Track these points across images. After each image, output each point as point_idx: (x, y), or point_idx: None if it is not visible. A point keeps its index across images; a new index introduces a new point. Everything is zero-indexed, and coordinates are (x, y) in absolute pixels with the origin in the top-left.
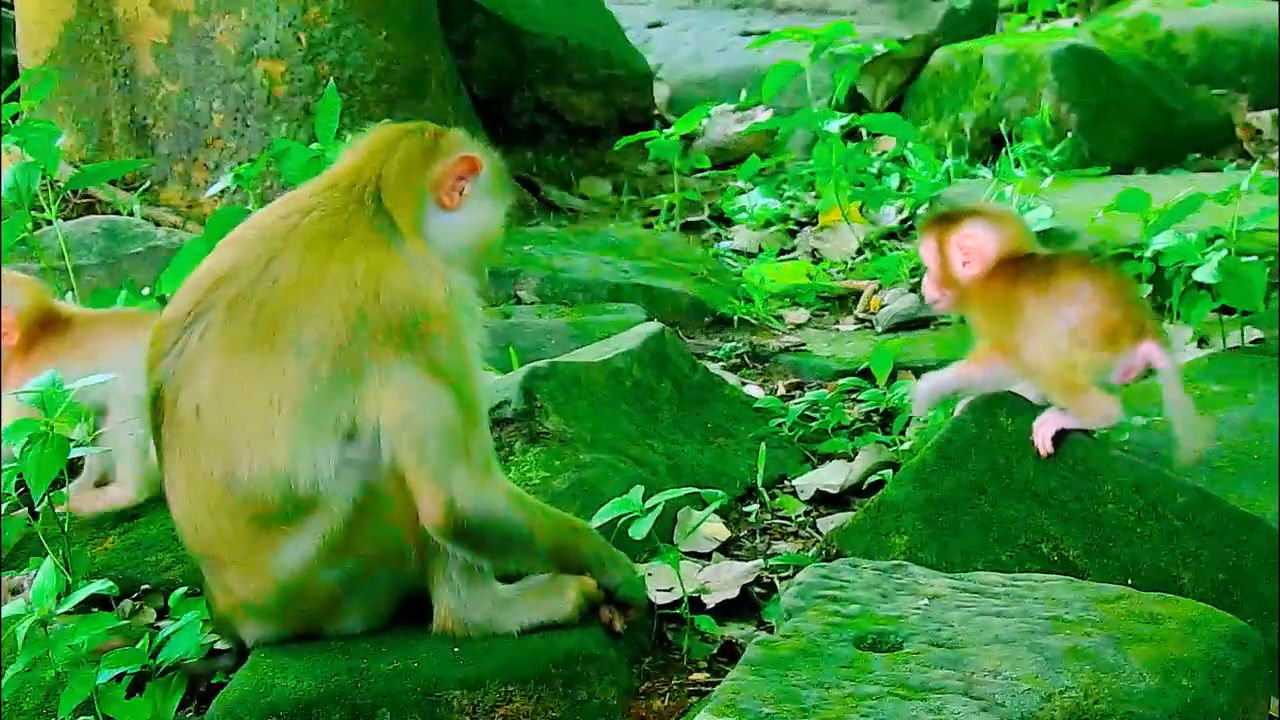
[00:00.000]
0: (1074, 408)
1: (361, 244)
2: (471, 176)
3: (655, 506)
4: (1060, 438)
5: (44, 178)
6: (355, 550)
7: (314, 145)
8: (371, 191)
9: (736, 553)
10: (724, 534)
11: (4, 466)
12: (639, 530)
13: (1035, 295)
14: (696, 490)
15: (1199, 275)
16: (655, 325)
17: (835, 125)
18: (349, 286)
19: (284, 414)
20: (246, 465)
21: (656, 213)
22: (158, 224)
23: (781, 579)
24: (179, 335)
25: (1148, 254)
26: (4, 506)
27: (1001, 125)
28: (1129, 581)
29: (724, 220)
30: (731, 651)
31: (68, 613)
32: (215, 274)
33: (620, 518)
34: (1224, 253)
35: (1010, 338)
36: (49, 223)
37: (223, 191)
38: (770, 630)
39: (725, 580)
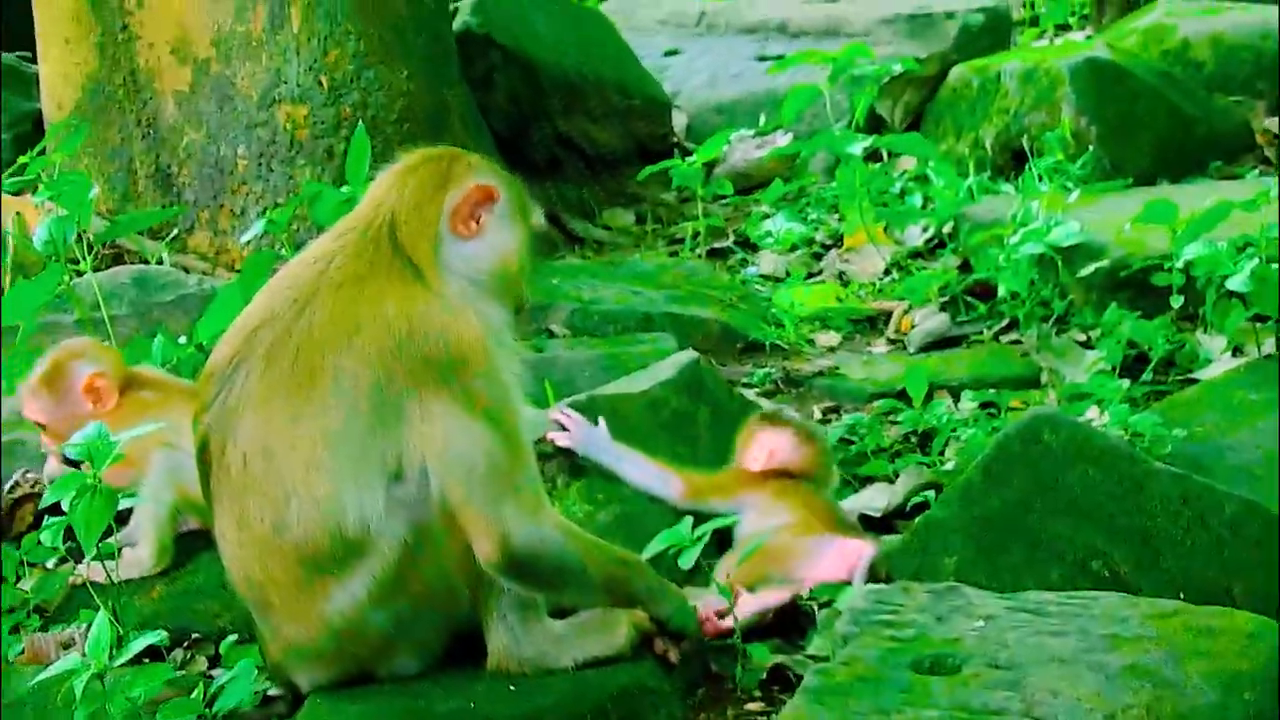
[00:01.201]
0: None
1: (387, 284)
2: (488, 204)
3: (703, 536)
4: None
5: (77, 229)
6: (407, 590)
7: (344, 188)
8: (387, 229)
9: None
10: None
11: (51, 521)
12: (688, 560)
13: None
14: (733, 519)
15: (1231, 284)
16: (690, 354)
17: (857, 147)
18: (382, 328)
19: (329, 458)
20: (295, 510)
21: (681, 241)
22: (187, 271)
23: (820, 605)
24: (221, 385)
25: (1178, 264)
26: (52, 561)
27: (1022, 140)
28: (1181, 595)
29: (749, 246)
30: (782, 679)
31: (122, 665)
32: (252, 323)
33: (669, 549)
34: (1255, 260)
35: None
36: (79, 274)
37: (255, 237)
38: (816, 657)
39: (770, 606)
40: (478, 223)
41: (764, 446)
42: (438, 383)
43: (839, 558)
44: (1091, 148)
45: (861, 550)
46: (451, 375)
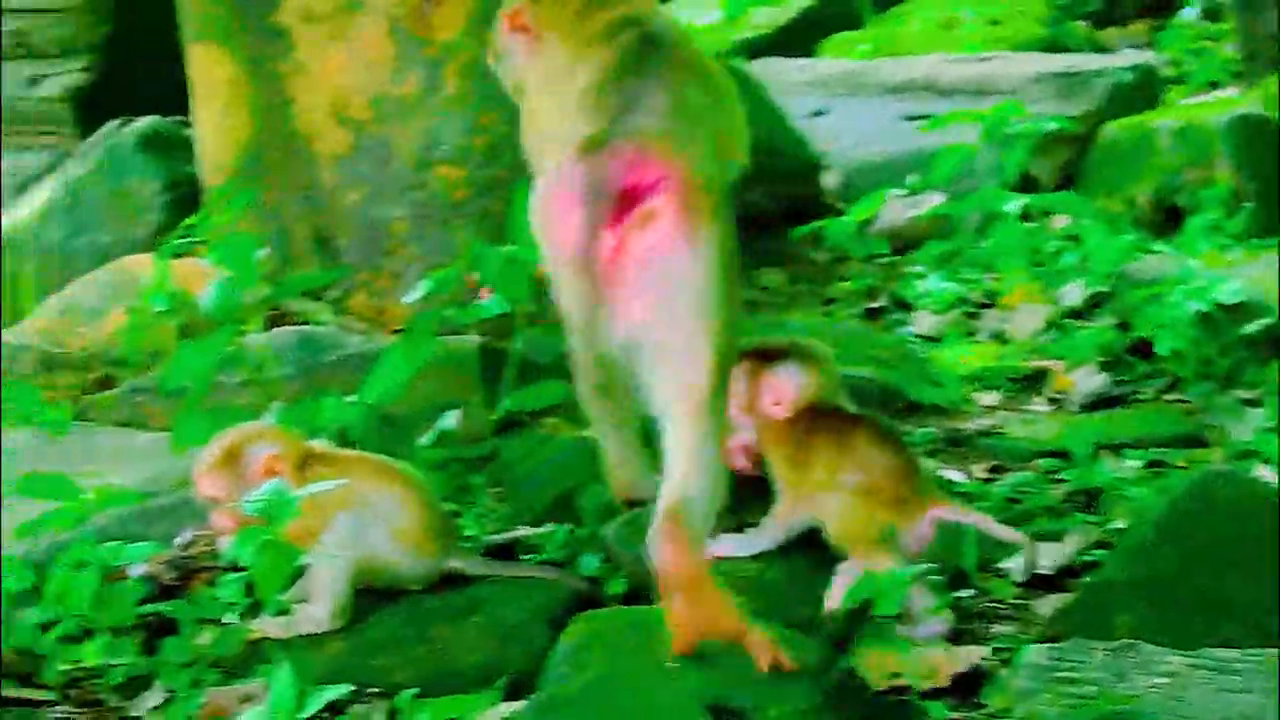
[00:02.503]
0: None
1: None
2: None
3: (895, 587)
4: None
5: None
6: None
7: (508, 248)
8: None
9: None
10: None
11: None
12: (889, 607)
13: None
14: (928, 566)
15: None
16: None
17: (1013, 205)
18: None
19: None
20: None
21: (834, 301)
22: (348, 332)
23: (1002, 663)
24: None
25: None
26: (229, 615)
27: (1176, 198)
28: None
29: (903, 306)
30: None
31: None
32: None
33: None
34: None
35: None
36: (242, 335)
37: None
38: (995, 715)
39: (951, 665)
40: None
41: (777, 387)
42: None
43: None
44: (1248, 204)
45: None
46: None
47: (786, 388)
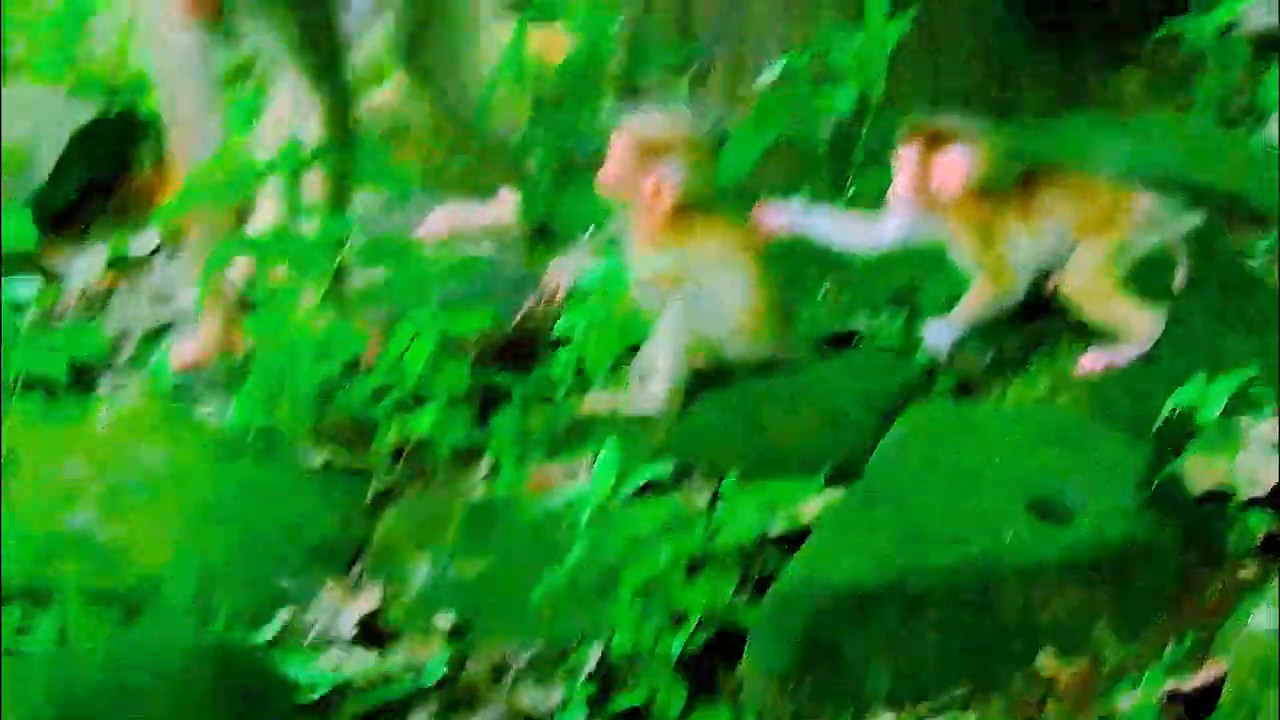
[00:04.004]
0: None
1: None
2: None
3: (1222, 391)
4: None
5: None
6: None
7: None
8: None
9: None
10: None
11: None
12: (1210, 412)
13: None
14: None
15: None
16: (1199, 215)
17: None
18: None
19: None
20: None
21: (1190, 104)
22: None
23: None
24: None
25: None
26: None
27: None
28: None
29: (1258, 114)
30: (1275, 547)
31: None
32: None
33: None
34: None
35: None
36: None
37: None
38: None
39: (1272, 475)
40: None
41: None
42: None
43: None
44: None
45: None
46: None
47: (953, 169)
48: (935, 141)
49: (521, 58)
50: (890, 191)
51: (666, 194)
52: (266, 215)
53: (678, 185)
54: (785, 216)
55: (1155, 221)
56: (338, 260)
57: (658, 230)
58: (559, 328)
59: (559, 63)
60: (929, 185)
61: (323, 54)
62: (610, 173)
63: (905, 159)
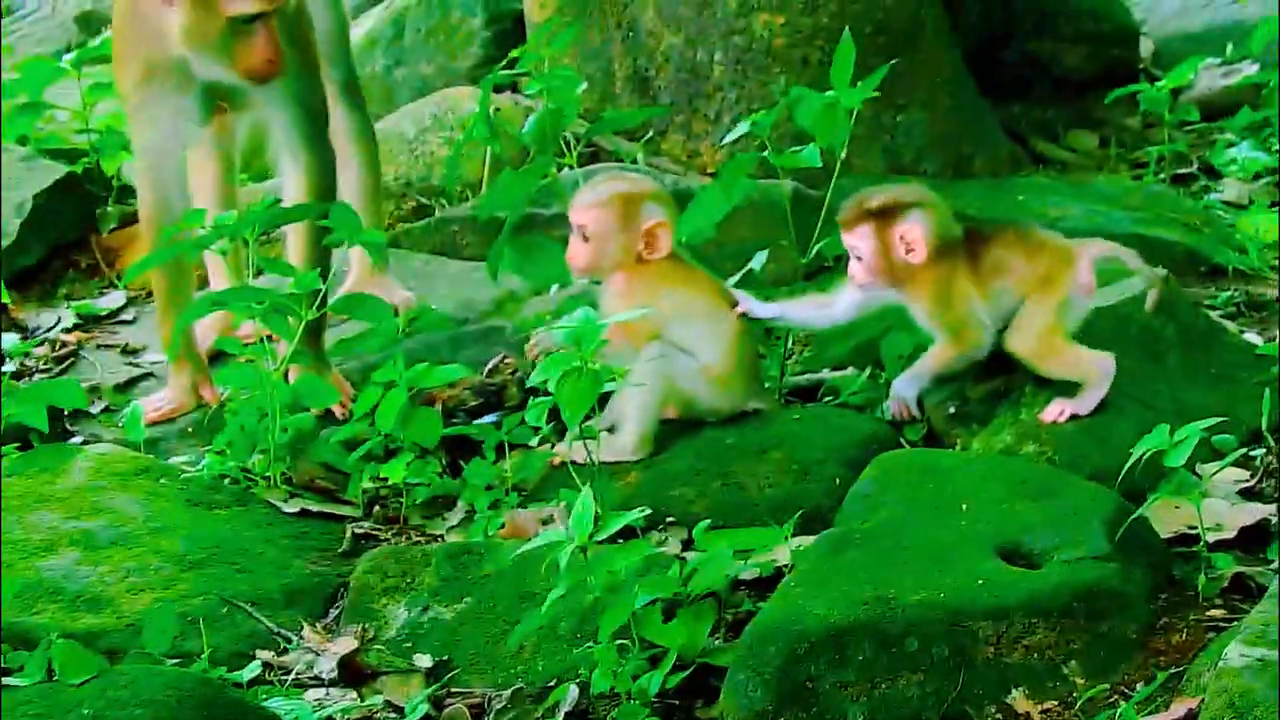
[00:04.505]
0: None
1: None
2: None
3: (1187, 438)
4: None
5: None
6: None
7: (829, 93)
8: None
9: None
10: (1242, 475)
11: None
12: (1178, 458)
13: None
14: (1224, 420)
15: None
16: (1160, 271)
17: None
18: None
19: None
20: None
21: (1144, 165)
22: (661, 172)
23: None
24: None
25: None
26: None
27: None
28: None
29: (1212, 173)
30: (1243, 588)
31: (600, 542)
32: None
33: (1146, 452)
34: None
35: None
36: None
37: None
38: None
39: (1238, 519)
40: None
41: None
42: None
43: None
44: None
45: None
46: None
47: (916, 234)
48: (886, 216)
49: (486, 121)
50: (849, 273)
51: (664, 239)
52: (219, 278)
53: (670, 232)
54: (748, 306)
55: (1108, 276)
56: (310, 315)
57: (634, 282)
58: (534, 379)
59: (524, 127)
60: (891, 258)
61: (313, 117)
62: (589, 226)
63: (860, 241)
